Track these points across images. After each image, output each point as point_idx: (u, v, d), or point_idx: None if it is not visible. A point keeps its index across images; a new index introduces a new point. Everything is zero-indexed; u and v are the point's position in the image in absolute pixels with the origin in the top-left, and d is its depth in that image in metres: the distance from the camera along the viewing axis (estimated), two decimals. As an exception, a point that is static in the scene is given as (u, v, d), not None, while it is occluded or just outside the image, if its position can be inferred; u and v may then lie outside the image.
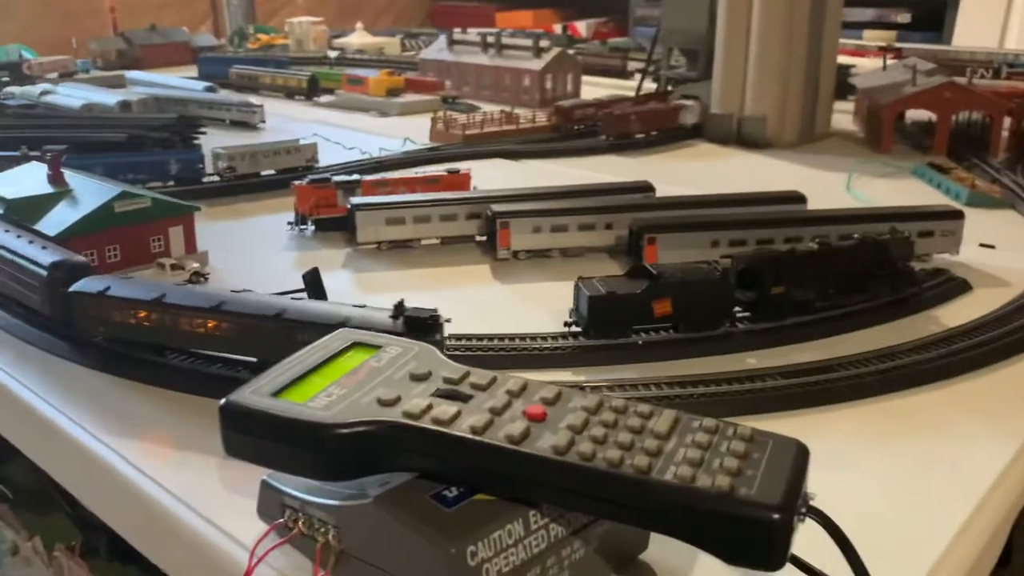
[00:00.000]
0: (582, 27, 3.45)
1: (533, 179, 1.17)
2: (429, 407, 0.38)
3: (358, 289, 0.79)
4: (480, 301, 0.76)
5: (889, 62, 1.58)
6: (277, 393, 0.40)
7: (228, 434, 0.39)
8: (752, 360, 0.63)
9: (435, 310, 0.55)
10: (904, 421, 0.55)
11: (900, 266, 0.69)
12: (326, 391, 0.40)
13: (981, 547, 0.45)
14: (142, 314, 0.60)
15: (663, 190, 0.98)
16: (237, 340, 0.59)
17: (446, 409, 0.37)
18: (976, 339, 0.63)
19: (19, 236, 0.70)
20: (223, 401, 0.39)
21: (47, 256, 0.66)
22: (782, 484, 0.33)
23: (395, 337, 0.45)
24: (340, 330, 0.46)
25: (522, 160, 1.28)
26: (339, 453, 0.37)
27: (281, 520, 0.41)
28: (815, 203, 0.88)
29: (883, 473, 0.50)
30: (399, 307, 0.55)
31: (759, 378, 0.58)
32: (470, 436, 0.36)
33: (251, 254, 0.89)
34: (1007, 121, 1.29)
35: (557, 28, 3.37)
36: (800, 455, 0.35)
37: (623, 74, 2.04)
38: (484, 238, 0.87)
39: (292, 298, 0.62)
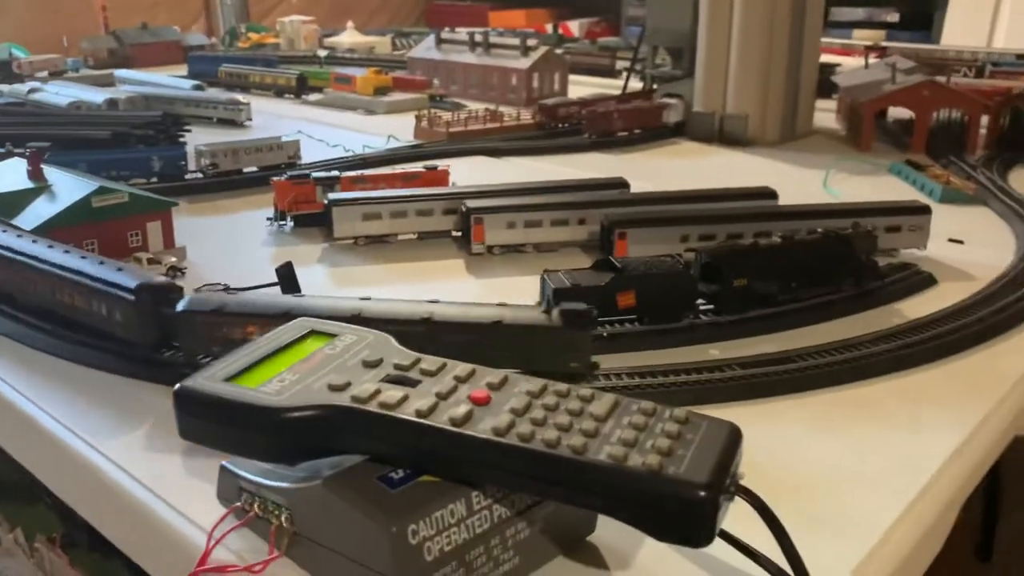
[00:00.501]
0: (575, 27, 3.46)
1: (515, 176, 1.18)
2: (377, 392, 0.39)
3: (333, 283, 0.80)
4: (452, 295, 0.76)
5: (872, 61, 1.59)
6: (231, 379, 0.41)
7: (183, 418, 0.40)
8: (715, 351, 0.64)
9: (590, 307, 0.56)
10: (857, 411, 0.56)
11: (863, 260, 0.71)
12: (279, 377, 0.41)
13: (920, 534, 0.46)
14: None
15: (643, 187, 0.99)
16: None
17: (393, 394, 0.39)
18: (933, 332, 0.64)
19: (66, 252, 0.64)
20: (177, 386, 0.40)
21: (122, 277, 0.59)
22: (711, 463, 0.34)
23: (351, 326, 0.46)
24: (298, 319, 0.47)
25: (505, 158, 1.29)
26: (288, 436, 0.38)
27: (238, 503, 0.43)
28: (792, 200, 0.89)
29: (831, 460, 0.51)
30: (550, 303, 0.55)
31: (718, 368, 0.59)
32: (414, 419, 0.37)
33: (230, 249, 0.90)
34: (985, 119, 1.30)
35: (550, 28, 3.38)
36: (732, 437, 0.36)
37: (611, 73, 2.06)
38: (459, 233, 0.88)
39: (429, 301, 0.58)
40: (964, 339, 0.64)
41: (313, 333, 0.45)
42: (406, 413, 0.37)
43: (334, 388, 0.39)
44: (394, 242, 0.89)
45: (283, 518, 0.40)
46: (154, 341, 0.59)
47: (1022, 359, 0.63)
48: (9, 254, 0.66)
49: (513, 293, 0.76)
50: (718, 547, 0.39)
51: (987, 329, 0.66)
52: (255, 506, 0.42)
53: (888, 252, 0.83)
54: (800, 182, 1.14)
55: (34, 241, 0.67)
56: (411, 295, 0.76)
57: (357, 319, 0.53)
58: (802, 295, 0.69)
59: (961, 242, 0.88)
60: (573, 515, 0.42)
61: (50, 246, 0.66)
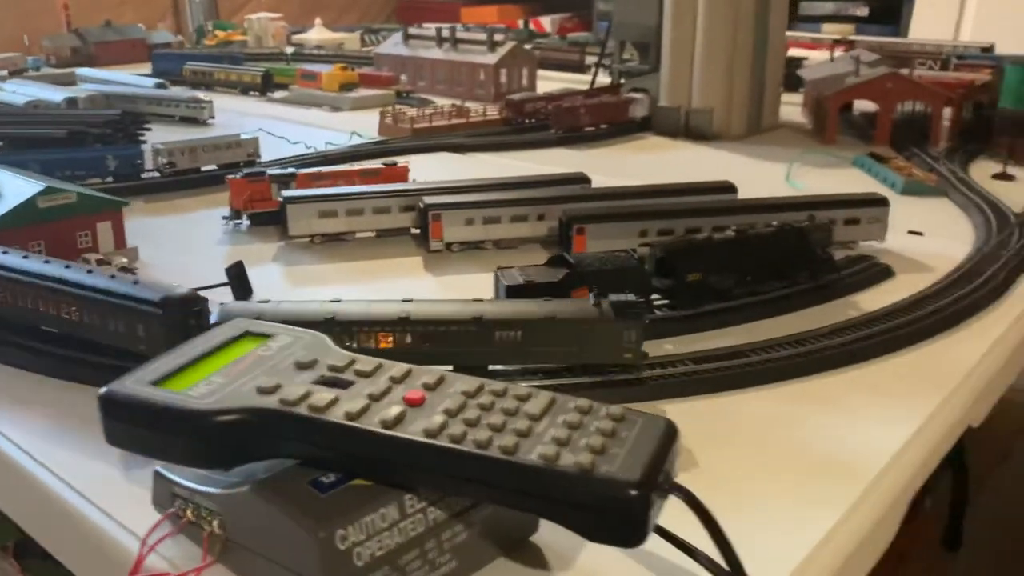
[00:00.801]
0: (546, 22, 3.45)
1: (479, 173, 1.16)
2: (307, 394, 0.38)
3: (288, 283, 0.79)
4: (409, 294, 0.76)
5: (838, 54, 1.60)
6: (159, 382, 0.40)
7: (108, 423, 0.39)
8: (669, 346, 0.64)
9: (640, 299, 0.56)
10: (809, 405, 0.56)
11: (819, 253, 0.70)
12: (208, 380, 0.40)
13: (868, 528, 0.45)
14: None
15: (609, 182, 0.98)
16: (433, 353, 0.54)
17: (323, 396, 0.38)
18: (887, 324, 0.64)
19: (67, 266, 0.61)
20: (103, 390, 0.39)
21: (142, 291, 0.56)
22: (644, 461, 0.34)
23: (287, 327, 0.45)
24: (233, 320, 0.46)
25: (470, 154, 1.28)
26: (214, 441, 0.37)
27: (172, 510, 0.41)
28: (755, 193, 0.89)
29: (781, 455, 0.51)
30: (600, 295, 0.55)
31: (671, 364, 0.59)
32: (343, 422, 0.36)
33: (184, 248, 0.88)
34: (949, 111, 1.31)
35: (522, 23, 3.37)
36: (668, 433, 0.36)
37: (581, 68, 2.05)
38: (418, 230, 0.87)
39: (479, 300, 0.57)
40: (918, 331, 0.64)
41: (248, 334, 0.44)
42: (335, 416, 0.36)
43: (263, 391, 0.38)
44: (351, 240, 0.88)
45: (215, 524, 0.39)
46: None
47: (974, 351, 0.63)
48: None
49: (472, 290, 0.74)
50: (663, 545, 0.39)
51: (940, 321, 0.65)
52: (188, 512, 0.41)
53: (847, 244, 0.82)
54: (764, 175, 1.14)
55: (25, 256, 0.63)
56: (366, 294, 0.76)
57: (403, 321, 0.53)
58: (758, 289, 0.69)
59: (920, 234, 0.88)
60: (514, 516, 0.41)
61: (46, 261, 0.62)
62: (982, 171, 1.14)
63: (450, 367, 0.52)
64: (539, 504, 0.34)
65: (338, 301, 0.55)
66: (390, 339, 0.54)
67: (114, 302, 0.56)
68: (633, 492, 0.32)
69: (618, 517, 0.33)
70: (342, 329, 0.52)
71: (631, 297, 0.55)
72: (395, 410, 0.36)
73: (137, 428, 0.39)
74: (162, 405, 0.38)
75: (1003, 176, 1.10)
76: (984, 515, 1.62)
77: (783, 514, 0.45)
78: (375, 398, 0.38)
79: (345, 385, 0.39)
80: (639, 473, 0.33)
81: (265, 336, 0.44)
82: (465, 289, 0.75)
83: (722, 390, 0.57)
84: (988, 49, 1.86)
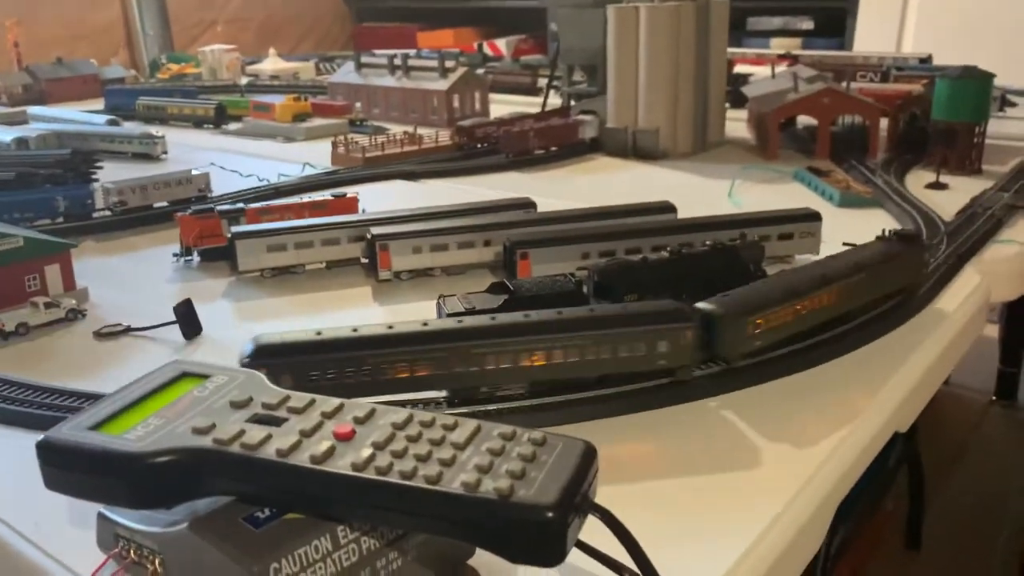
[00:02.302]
0: (502, 45, 3.49)
1: (431, 200, 1.18)
2: (241, 432, 0.39)
3: (238, 318, 0.80)
4: (358, 324, 0.77)
5: (780, 70, 1.64)
6: (96, 426, 0.41)
7: (46, 469, 0.40)
8: (609, 367, 0.66)
9: (918, 231, 0.76)
10: (741, 416, 0.58)
11: (751, 269, 0.73)
12: (144, 422, 0.41)
13: (792, 535, 0.47)
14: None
15: (558, 204, 1.00)
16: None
17: (256, 434, 0.39)
18: (817, 337, 0.66)
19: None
20: (40, 438, 0.40)
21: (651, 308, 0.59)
22: (561, 484, 0.35)
23: (224, 367, 0.46)
24: (171, 361, 0.47)
25: (422, 180, 1.30)
26: (149, 482, 0.38)
27: (116, 550, 0.42)
28: (698, 211, 0.91)
29: (712, 467, 0.53)
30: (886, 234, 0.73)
31: (609, 384, 0.60)
32: (273, 459, 0.37)
33: (134, 287, 0.89)
34: (886, 123, 1.35)
35: (477, 47, 3.41)
36: (586, 455, 0.38)
37: (533, 91, 2.08)
38: (367, 260, 0.89)
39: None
40: (846, 343, 0.67)
41: (185, 375, 0.45)
42: (266, 453, 0.38)
43: (198, 431, 0.39)
44: (301, 272, 0.89)
45: (157, 563, 0.40)
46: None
47: (899, 357, 0.66)
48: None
49: (420, 318, 0.76)
50: (593, 563, 0.40)
51: (869, 332, 0.68)
52: (132, 552, 0.41)
53: (783, 259, 0.85)
54: (707, 192, 1.17)
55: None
56: (318, 325, 0.77)
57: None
58: (694, 306, 0.71)
59: (854, 245, 0.91)
60: (449, 541, 0.42)
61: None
62: (917, 180, 1.18)
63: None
64: (463, 530, 0.35)
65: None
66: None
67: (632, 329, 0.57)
68: (549, 514, 0.34)
69: (536, 538, 0.34)
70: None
71: (911, 229, 0.69)
72: (324, 445, 0.38)
73: (74, 473, 0.40)
74: (98, 449, 0.39)
75: (936, 185, 1.13)
76: (943, 514, 1.65)
77: (710, 526, 0.47)
78: (306, 434, 0.39)
79: (278, 422, 0.40)
80: (555, 496, 0.34)
81: (202, 377, 0.45)
82: (415, 317, 0.77)
83: (661, 405, 0.59)
84: (926, 60, 1.92)
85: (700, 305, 0.60)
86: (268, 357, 0.53)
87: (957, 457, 1.81)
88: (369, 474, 0.36)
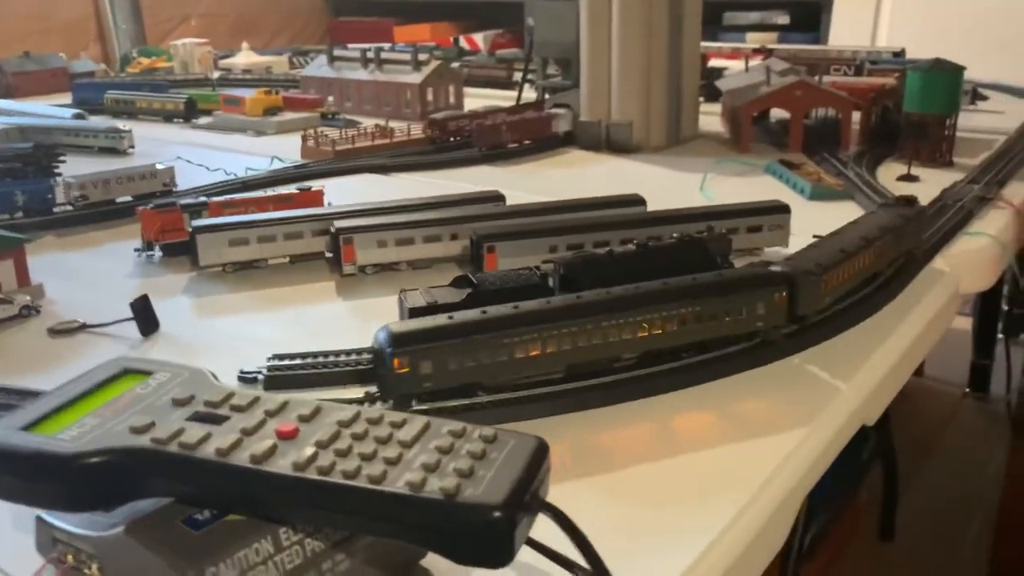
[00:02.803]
0: (479, 39, 3.47)
1: (401, 193, 1.17)
2: (180, 431, 0.38)
3: (198, 314, 0.78)
4: (319, 320, 0.76)
5: (753, 63, 1.64)
6: (30, 426, 0.39)
7: (-24, 472, 0.39)
8: (575, 361, 0.65)
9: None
10: (707, 410, 0.58)
11: (719, 262, 0.72)
12: (80, 421, 0.39)
13: (755, 532, 0.46)
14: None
15: (530, 198, 0.99)
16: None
17: (195, 433, 0.37)
18: (783, 330, 0.66)
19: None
20: (-32, 439, 0.38)
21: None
22: (510, 482, 0.34)
23: (169, 363, 0.44)
24: (114, 357, 0.45)
25: (393, 174, 1.29)
26: (83, 485, 0.37)
27: (54, 555, 0.41)
28: (671, 204, 0.90)
29: (675, 463, 0.52)
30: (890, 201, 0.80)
31: (571, 378, 0.59)
32: (212, 458, 0.36)
33: (94, 283, 0.87)
34: (858, 116, 1.35)
35: (454, 41, 3.39)
36: (537, 452, 0.36)
37: (508, 85, 2.07)
38: (331, 255, 0.87)
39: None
40: (811, 336, 0.66)
41: (127, 372, 0.44)
42: (205, 453, 0.36)
43: (136, 430, 0.38)
44: (264, 267, 0.87)
45: (95, 568, 0.39)
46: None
47: (867, 349, 0.65)
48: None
49: (385, 313, 0.75)
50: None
51: (835, 326, 0.67)
52: (69, 557, 0.40)
53: (752, 252, 0.85)
54: (680, 186, 1.16)
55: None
56: (277, 323, 0.75)
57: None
58: (661, 300, 0.70)
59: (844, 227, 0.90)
60: (399, 542, 0.41)
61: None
62: (889, 173, 1.18)
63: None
64: (408, 531, 0.34)
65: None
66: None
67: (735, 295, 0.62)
68: (496, 514, 0.33)
69: (482, 539, 0.33)
70: None
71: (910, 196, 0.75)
72: (266, 444, 0.36)
73: (5, 476, 0.38)
74: (29, 450, 0.37)
75: (908, 178, 1.13)
76: (916, 505, 1.66)
77: (674, 523, 0.46)
78: (248, 432, 0.38)
79: (219, 420, 0.39)
80: (503, 495, 0.33)
81: (145, 373, 0.43)
82: (379, 312, 0.76)
83: (625, 400, 0.58)
84: (899, 54, 1.93)
85: (776, 268, 0.65)
86: (406, 344, 0.54)
87: (931, 449, 1.82)
88: (310, 474, 0.35)
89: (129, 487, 0.37)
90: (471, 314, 0.56)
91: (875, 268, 0.74)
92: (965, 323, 1.99)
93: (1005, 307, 1.86)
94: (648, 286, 0.61)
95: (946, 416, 1.90)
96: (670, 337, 0.60)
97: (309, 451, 0.36)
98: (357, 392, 0.59)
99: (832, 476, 0.57)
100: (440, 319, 0.56)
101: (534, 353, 0.56)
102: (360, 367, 0.63)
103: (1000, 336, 1.90)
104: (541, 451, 0.37)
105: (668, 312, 0.60)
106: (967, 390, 2.00)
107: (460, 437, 0.37)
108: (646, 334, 0.59)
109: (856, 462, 1.28)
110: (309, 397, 0.41)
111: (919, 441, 1.81)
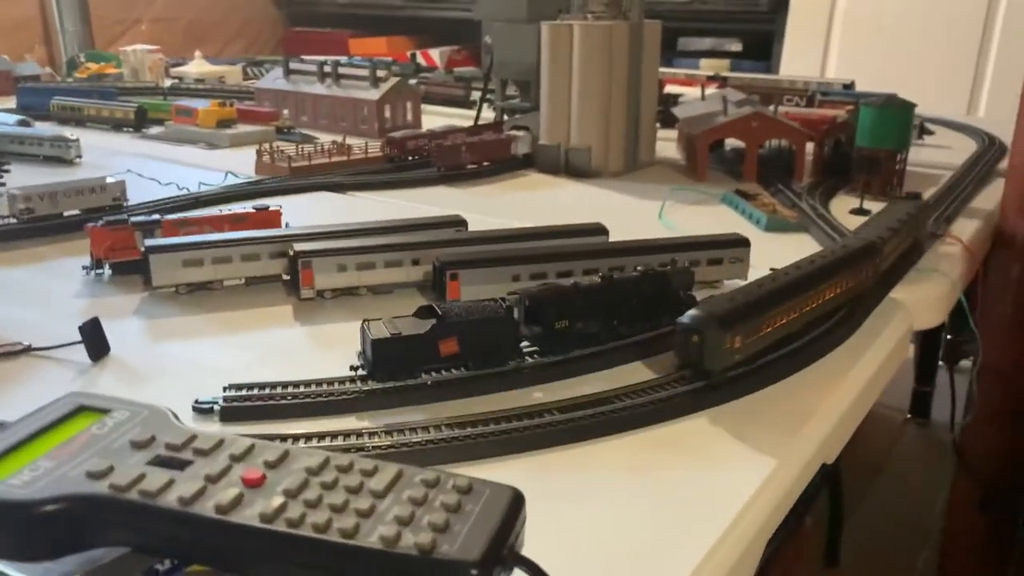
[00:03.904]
0: (436, 54, 3.47)
1: (359, 213, 1.16)
2: (141, 477, 0.36)
3: (150, 337, 0.76)
4: (275, 345, 0.74)
5: (709, 91, 1.66)
6: (-22, 469, 0.37)
7: (-81, 519, 0.36)
8: (538, 394, 0.64)
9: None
10: (668, 451, 0.57)
11: (681, 295, 0.72)
12: (33, 464, 0.37)
13: (728, 568, 0.46)
14: None
15: (489, 221, 0.98)
16: None
17: (157, 479, 0.36)
18: (745, 368, 0.66)
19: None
20: (-89, 483, 0.36)
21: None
22: (486, 536, 0.33)
23: (125, 400, 0.43)
24: (68, 393, 0.43)
25: (350, 193, 1.27)
26: (36, 534, 0.35)
27: (2, 604, 0.39)
28: (629, 231, 0.91)
29: (637, 505, 0.51)
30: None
31: (537, 414, 0.59)
32: (175, 508, 0.35)
33: (40, 302, 0.84)
34: (811, 147, 1.37)
35: (411, 55, 3.38)
36: (513, 503, 0.36)
37: (466, 103, 2.06)
38: (289, 278, 0.85)
39: None
40: (774, 371, 0.66)
41: (83, 409, 0.42)
42: (167, 501, 0.35)
43: (93, 475, 0.36)
44: (220, 288, 0.85)
45: (44, 619, 0.37)
46: None
47: (827, 388, 0.66)
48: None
49: (344, 340, 0.73)
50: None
51: (795, 361, 0.68)
52: (17, 606, 0.38)
53: (712, 284, 0.85)
54: (638, 212, 1.17)
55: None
56: (231, 348, 0.74)
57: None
58: (624, 332, 0.70)
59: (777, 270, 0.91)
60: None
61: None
62: (842, 205, 1.20)
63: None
64: (380, 587, 0.33)
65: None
66: None
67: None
68: (473, 572, 0.32)
69: (459, 596, 0.32)
70: None
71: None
72: (232, 492, 0.35)
73: (-49, 523, 0.36)
74: (-23, 497, 0.35)
75: (860, 211, 1.15)
76: (861, 530, 1.69)
77: (641, 566, 0.46)
78: (212, 479, 0.36)
79: (182, 465, 0.37)
80: (479, 551, 0.33)
81: (101, 411, 0.42)
82: (337, 339, 0.74)
83: (588, 438, 0.58)
84: (849, 86, 1.98)
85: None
86: (721, 325, 0.62)
87: (875, 474, 1.86)
88: (279, 526, 0.34)
89: (86, 536, 0.36)
90: (765, 281, 0.70)
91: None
92: (907, 350, 2.05)
93: (947, 336, 1.91)
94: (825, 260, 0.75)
95: (890, 441, 1.94)
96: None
97: (277, 501, 0.35)
98: (312, 425, 0.58)
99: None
100: (750, 293, 0.67)
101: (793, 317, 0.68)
102: (319, 399, 0.62)
103: (940, 363, 1.95)
104: (517, 502, 0.36)
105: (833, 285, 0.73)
106: (909, 416, 2.04)
107: (434, 487, 0.36)
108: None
109: (804, 490, 1.30)
110: (275, 443, 0.39)
111: (864, 465, 1.85)
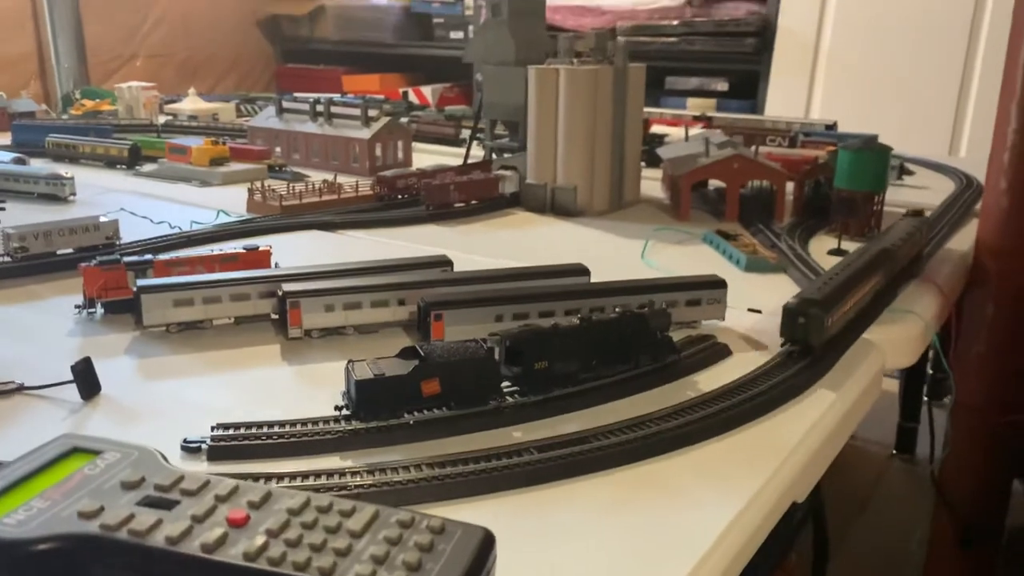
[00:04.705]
0: (428, 92, 3.52)
1: (348, 251, 1.18)
2: (130, 517, 0.38)
3: (140, 376, 0.78)
4: (263, 384, 0.76)
5: (694, 132, 1.70)
6: (-25, 509, 0.39)
7: (-84, 557, 0.38)
8: (518, 433, 0.66)
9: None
10: (642, 490, 0.59)
11: (659, 336, 0.74)
12: (27, 504, 0.39)
13: (691, 610, 0.48)
14: None
15: (476, 259, 1.00)
16: None
17: (146, 519, 0.38)
18: (719, 406, 0.68)
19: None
20: (-90, 522, 0.38)
21: None
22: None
23: (117, 442, 0.44)
24: (62, 435, 0.45)
25: (340, 231, 1.29)
26: (29, 571, 0.37)
27: (-8, 641, 0.40)
28: (614, 269, 0.93)
29: (613, 541, 0.53)
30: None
31: (516, 453, 0.61)
32: (163, 547, 0.36)
33: (33, 340, 0.85)
34: (792, 187, 1.40)
35: (403, 93, 3.42)
36: (484, 544, 0.38)
37: (456, 142, 2.10)
38: (277, 317, 0.87)
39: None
40: (747, 412, 0.69)
41: (76, 451, 0.44)
42: (155, 540, 0.37)
43: (84, 515, 0.38)
44: (209, 327, 0.87)
45: (33, 655, 0.38)
46: None
47: (798, 429, 0.68)
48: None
49: (330, 379, 0.75)
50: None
51: (767, 402, 0.70)
52: (8, 642, 0.39)
53: (690, 324, 0.87)
54: (622, 251, 1.19)
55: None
56: (220, 387, 0.75)
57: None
58: (603, 373, 0.72)
59: (759, 311, 0.94)
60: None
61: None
62: (821, 246, 1.23)
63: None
64: (354, 624, 0.35)
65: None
66: None
67: None
68: (443, 608, 0.34)
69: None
70: None
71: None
72: (217, 532, 0.37)
73: (-53, 561, 0.38)
74: (-26, 536, 0.37)
75: (838, 252, 1.18)
76: (846, 566, 1.70)
77: (611, 604, 0.48)
78: (198, 519, 0.38)
79: (170, 505, 0.39)
80: (450, 589, 0.34)
81: (93, 453, 0.44)
82: (323, 378, 0.76)
83: (565, 477, 0.60)
84: (832, 127, 2.02)
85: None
86: (822, 308, 0.78)
87: (860, 509, 1.87)
88: (261, 564, 0.36)
89: (77, 574, 0.37)
90: (844, 278, 0.84)
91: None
92: (892, 385, 2.07)
93: (930, 371, 1.94)
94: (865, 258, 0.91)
95: (875, 477, 1.96)
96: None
97: (260, 540, 0.37)
98: (297, 464, 0.60)
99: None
100: (833, 283, 0.83)
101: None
102: (304, 438, 0.63)
103: (925, 399, 1.97)
104: (487, 542, 0.38)
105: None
106: (894, 452, 2.06)
107: (408, 527, 0.38)
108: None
109: (787, 525, 1.31)
110: (258, 484, 0.41)
111: (849, 501, 1.86)
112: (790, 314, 0.78)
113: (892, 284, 0.98)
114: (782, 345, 0.80)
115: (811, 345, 0.77)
